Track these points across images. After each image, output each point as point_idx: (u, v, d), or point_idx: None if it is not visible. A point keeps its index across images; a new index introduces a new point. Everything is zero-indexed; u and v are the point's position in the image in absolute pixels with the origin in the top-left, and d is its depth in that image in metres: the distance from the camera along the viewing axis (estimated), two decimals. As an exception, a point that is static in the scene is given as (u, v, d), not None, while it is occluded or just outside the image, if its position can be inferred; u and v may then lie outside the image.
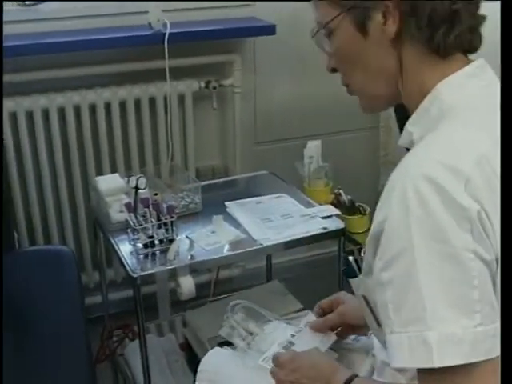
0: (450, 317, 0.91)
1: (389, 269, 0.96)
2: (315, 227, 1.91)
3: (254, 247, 1.83)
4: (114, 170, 2.38)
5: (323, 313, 1.51)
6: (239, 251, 1.82)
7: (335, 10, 1.07)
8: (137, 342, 2.12)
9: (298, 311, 2.01)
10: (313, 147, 2.27)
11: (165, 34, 2.26)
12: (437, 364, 0.90)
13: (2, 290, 1.39)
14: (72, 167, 2.37)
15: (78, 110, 2.32)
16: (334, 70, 1.16)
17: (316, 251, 2.62)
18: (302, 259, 2.66)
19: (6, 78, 2.13)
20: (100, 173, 2.37)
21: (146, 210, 1.79)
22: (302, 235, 1.88)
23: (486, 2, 1.09)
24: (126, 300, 2.43)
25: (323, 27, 1.11)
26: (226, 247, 1.82)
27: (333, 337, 1.46)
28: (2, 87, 1.33)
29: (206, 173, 2.58)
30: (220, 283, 2.52)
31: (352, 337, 1.51)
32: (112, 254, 2.44)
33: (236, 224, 1.92)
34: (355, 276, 1.27)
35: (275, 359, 1.33)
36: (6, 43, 2.14)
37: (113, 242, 1.85)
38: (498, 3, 1.07)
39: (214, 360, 1.54)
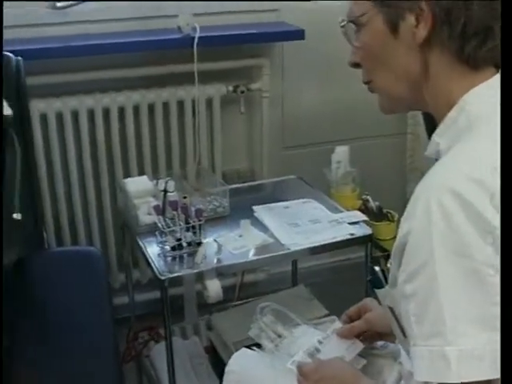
0: (470, 332, 0.90)
1: (412, 281, 0.96)
2: (343, 233, 1.91)
3: (282, 252, 1.83)
4: (141, 173, 2.39)
5: (350, 320, 1.51)
6: (267, 255, 1.82)
7: (369, 5, 1.07)
8: (162, 344, 2.13)
9: (324, 317, 2.01)
10: (341, 152, 2.26)
11: (194, 37, 2.27)
12: (455, 380, 0.90)
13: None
14: (100, 169, 2.38)
15: (107, 112, 2.33)
16: (355, 65, 1.15)
17: (342, 256, 2.61)
18: (328, 264, 2.65)
19: (37, 80, 2.15)
20: (127, 175, 2.38)
21: (175, 212, 1.80)
22: (329, 241, 1.87)
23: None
24: (151, 302, 2.44)
25: (354, 20, 1.10)
26: (254, 251, 1.82)
27: (360, 345, 1.45)
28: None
29: (232, 176, 2.58)
30: (244, 287, 2.53)
31: (380, 343, 1.50)
32: (138, 256, 2.45)
33: (263, 228, 1.92)
34: (381, 287, 1.27)
35: (299, 368, 1.33)
36: (37, 46, 2.17)
37: (141, 244, 1.86)
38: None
39: (241, 361, 1.54)
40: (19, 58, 1.82)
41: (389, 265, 1.14)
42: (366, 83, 1.15)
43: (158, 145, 2.42)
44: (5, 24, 2.15)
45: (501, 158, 0.93)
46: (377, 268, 1.28)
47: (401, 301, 1.00)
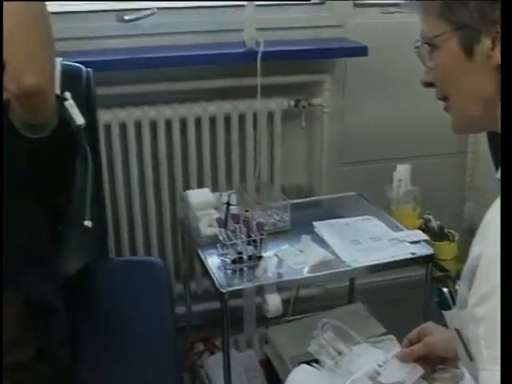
0: None
1: (482, 305, 0.95)
2: (403, 252, 1.90)
3: (342, 269, 1.83)
4: (200, 185, 2.42)
5: (410, 344, 1.49)
6: (327, 272, 1.82)
7: (444, 26, 1.06)
8: (217, 355, 2.15)
9: (382, 335, 2.00)
10: (402, 171, 2.25)
11: (258, 52, 2.28)
12: None
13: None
14: (160, 180, 2.41)
15: (169, 124, 2.36)
16: (428, 85, 1.15)
17: (399, 274, 2.59)
18: (385, 281, 2.63)
19: (103, 90, 2.19)
20: (187, 187, 2.41)
21: (237, 226, 1.81)
22: (390, 259, 1.87)
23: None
24: (206, 312, 2.46)
25: (429, 41, 1.10)
26: (314, 267, 1.82)
27: (420, 369, 1.43)
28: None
29: (291, 191, 2.58)
30: (299, 301, 2.52)
31: (440, 366, 1.48)
32: (194, 267, 2.48)
33: (324, 244, 1.93)
34: (449, 308, 1.26)
35: None
36: (104, 57, 2.22)
37: (202, 255, 1.88)
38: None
39: (301, 376, 1.54)
40: (89, 69, 1.86)
41: (457, 286, 1.14)
42: (440, 99, 1.15)
43: (218, 157, 2.44)
44: (76, 35, 2.23)
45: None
46: (445, 289, 1.27)
47: (470, 324, 0.99)
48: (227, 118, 2.40)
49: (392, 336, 1.96)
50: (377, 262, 1.85)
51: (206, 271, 1.83)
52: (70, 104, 1.41)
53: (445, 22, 1.06)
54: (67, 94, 1.42)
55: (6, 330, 1.36)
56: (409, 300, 2.05)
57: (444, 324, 1.30)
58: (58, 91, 1.38)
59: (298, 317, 2.27)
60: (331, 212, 2.18)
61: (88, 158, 1.64)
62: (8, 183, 1.44)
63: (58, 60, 1.81)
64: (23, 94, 1.28)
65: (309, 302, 2.64)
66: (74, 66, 1.85)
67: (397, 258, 1.88)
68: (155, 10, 2.32)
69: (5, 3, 1.23)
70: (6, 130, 1.40)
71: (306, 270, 1.81)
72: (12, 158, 1.42)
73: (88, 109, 1.83)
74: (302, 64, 2.47)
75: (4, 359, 1.34)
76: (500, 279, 0.90)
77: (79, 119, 1.41)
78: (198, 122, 2.38)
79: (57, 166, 1.46)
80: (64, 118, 1.40)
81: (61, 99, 1.40)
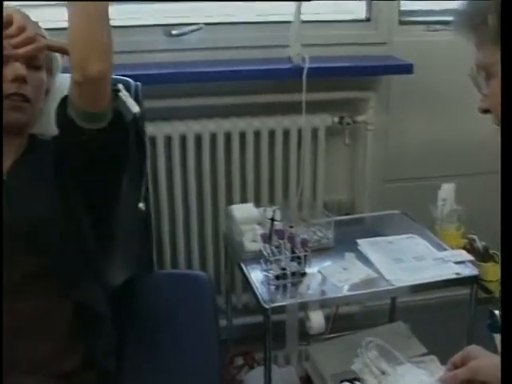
0: None
1: None
2: (448, 272, 1.88)
3: (386, 287, 1.82)
4: (243, 199, 2.43)
5: (454, 368, 1.47)
6: (371, 290, 1.81)
7: (499, 53, 1.05)
8: (257, 369, 2.16)
9: (423, 355, 1.98)
10: (447, 190, 2.23)
11: (304, 68, 2.29)
12: None
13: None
14: (203, 193, 2.43)
15: (213, 138, 2.38)
16: (485, 112, 1.14)
17: (442, 294, 2.56)
18: (427, 300, 2.60)
19: (149, 103, 2.21)
20: (230, 200, 2.43)
21: (281, 241, 1.81)
22: (434, 279, 1.85)
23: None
24: (246, 326, 2.47)
25: (483, 69, 1.09)
26: (358, 285, 1.82)
27: None
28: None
29: (333, 207, 2.58)
30: (338, 318, 2.51)
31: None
32: (235, 280, 2.49)
33: (367, 262, 1.92)
34: (500, 331, 1.24)
35: None
36: (151, 71, 2.24)
37: (245, 270, 1.88)
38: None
39: (343, 394, 1.54)
40: (138, 83, 1.88)
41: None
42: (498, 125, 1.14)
43: (261, 172, 2.45)
44: (124, 49, 2.25)
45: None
46: (496, 312, 1.26)
47: None
48: (271, 134, 2.41)
49: (434, 357, 1.93)
50: (421, 282, 1.84)
51: (248, 285, 1.84)
52: (124, 94, 1.49)
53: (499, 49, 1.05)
54: (120, 86, 1.50)
55: (55, 338, 1.38)
56: (451, 320, 2.02)
57: (493, 346, 1.29)
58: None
59: (337, 334, 2.25)
60: (374, 230, 2.17)
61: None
62: (62, 185, 1.46)
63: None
64: (88, 81, 1.34)
65: (348, 319, 2.62)
66: (123, 79, 1.87)
67: (441, 278, 1.86)
68: (202, 25, 2.34)
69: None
70: (62, 128, 1.44)
71: (349, 287, 1.80)
72: (69, 159, 1.45)
73: (136, 122, 1.85)
74: (347, 81, 2.47)
75: (51, 367, 1.36)
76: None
77: (134, 107, 1.48)
78: (243, 136, 2.39)
79: (111, 160, 1.49)
80: (118, 110, 1.45)
81: (115, 90, 1.46)
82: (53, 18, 2.12)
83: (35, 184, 1.46)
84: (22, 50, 1.33)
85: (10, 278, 1.38)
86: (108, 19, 1.37)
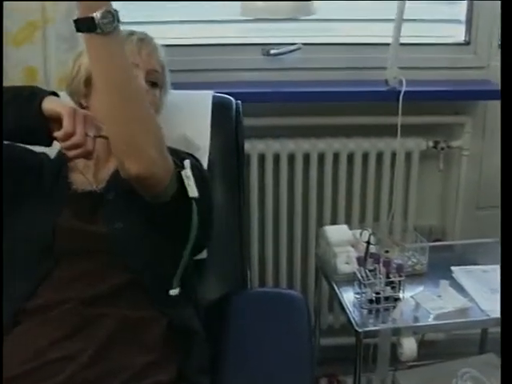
0: None
1: None
2: (546, 305, 1.83)
3: (481, 318, 1.78)
4: (333, 221, 2.43)
5: None
6: (467, 320, 1.78)
7: None
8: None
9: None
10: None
11: (400, 91, 2.28)
12: None
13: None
14: (294, 212, 2.44)
15: (307, 158, 2.38)
16: None
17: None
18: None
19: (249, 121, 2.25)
20: (320, 221, 2.43)
21: (376, 265, 1.80)
22: (532, 311, 1.80)
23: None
24: (331, 347, 2.46)
25: None
26: (452, 314, 1.79)
27: None
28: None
29: (423, 232, 2.53)
30: (423, 345, 2.47)
31: None
32: (322, 301, 2.48)
33: (461, 290, 1.89)
34: None
35: None
36: (248, 89, 2.27)
37: (338, 292, 1.88)
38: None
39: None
40: (239, 101, 1.91)
41: None
42: None
43: (353, 194, 2.44)
44: (223, 67, 2.30)
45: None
46: None
47: None
48: (365, 156, 2.40)
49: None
50: (518, 314, 1.79)
51: (334, 307, 1.83)
52: (186, 175, 1.41)
53: None
54: (186, 163, 1.43)
55: (150, 350, 1.40)
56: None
57: None
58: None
59: (423, 362, 2.21)
60: (468, 257, 2.13)
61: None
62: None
63: (210, 92, 1.90)
64: (128, 179, 1.32)
65: (433, 346, 2.58)
66: (225, 97, 1.91)
67: (539, 311, 1.81)
68: (300, 45, 2.36)
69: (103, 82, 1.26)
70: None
71: (444, 316, 1.78)
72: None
73: (236, 139, 1.88)
74: (443, 105, 2.44)
75: (148, 379, 1.37)
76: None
77: (193, 192, 1.41)
78: (336, 157, 2.39)
79: (185, 224, 1.46)
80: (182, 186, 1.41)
81: (179, 167, 1.41)
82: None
83: (131, 198, 1.46)
84: (70, 154, 1.33)
85: (102, 288, 1.41)
86: (145, 105, 1.32)
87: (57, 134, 1.31)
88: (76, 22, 1.21)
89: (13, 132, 1.39)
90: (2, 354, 1.33)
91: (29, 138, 1.43)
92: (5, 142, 1.50)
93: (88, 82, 1.58)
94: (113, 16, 1.21)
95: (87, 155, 1.34)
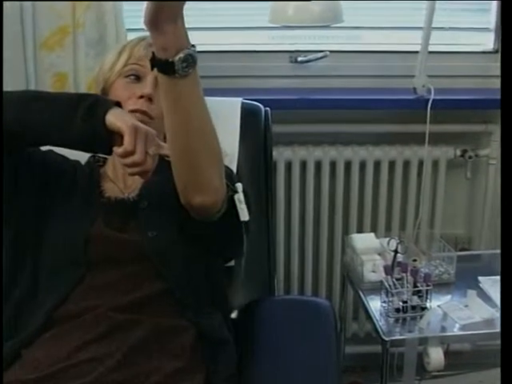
0: None
1: None
2: None
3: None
4: (359, 228, 2.43)
5: None
6: (494, 330, 1.76)
7: None
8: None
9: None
10: None
11: (429, 99, 2.27)
12: None
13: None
14: (320, 219, 2.44)
15: (333, 165, 2.39)
16: None
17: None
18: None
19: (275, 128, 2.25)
20: (346, 228, 2.43)
21: (404, 274, 1.80)
22: (561, 323, 1.78)
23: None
24: (355, 355, 2.46)
25: None
26: (480, 324, 1.78)
27: None
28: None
29: (449, 241, 2.52)
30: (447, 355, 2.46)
31: None
32: (347, 308, 2.48)
33: (489, 301, 1.87)
34: None
35: None
36: (276, 96, 2.28)
37: (365, 300, 1.87)
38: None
39: None
40: (267, 108, 1.91)
41: None
42: None
43: (379, 202, 2.44)
44: (251, 74, 2.31)
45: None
46: None
47: None
48: (392, 164, 2.40)
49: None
50: (547, 326, 1.78)
51: (359, 315, 1.82)
52: (239, 199, 1.41)
53: None
54: (239, 186, 1.42)
55: (181, 358, 1.40)
56: None
57: None
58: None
59: (449, 372, 2.20)
60: (494, 268, 2.11)
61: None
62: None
63: (239, 99, 1.90)
64: (189, 209, 1.34)
65: (458, 357, 2.56)
66: (254, 104, 1.91)
67: None
68: (328, 52, 2.36)
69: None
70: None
71: (472, 326, 1.77)
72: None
73: (265, 147, 1.88)
74: (471, 113, 2.43)
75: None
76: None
77: (244, 215, 1.40)
78: (363, 165, 2.39)
79: (227, 243, 1.53)
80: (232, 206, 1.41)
81: (232, 190, 1.40)
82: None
83: (164, 206, 1.48)
84: (129, 171, 1.29)
85: (133, 296, 1.41)
86: (217, 150, 1.31)
87: (117, 150, 1.27)
88: (152, 60, 1.17)
89: (74, 139, 1.34)
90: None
91: (90, 147, 1.39)
92: (43, 148, 1.52)
93: (104, 90, 1.59)
94: (193, 59, 1.16)
95: (145, 174, 1.30)
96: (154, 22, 1.12)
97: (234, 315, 1.71)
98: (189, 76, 1.17)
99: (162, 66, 1.16)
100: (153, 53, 1.17)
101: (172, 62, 1.15)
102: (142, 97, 1.52)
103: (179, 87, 1.20)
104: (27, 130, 1.35)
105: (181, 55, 1.14)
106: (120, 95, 1.52)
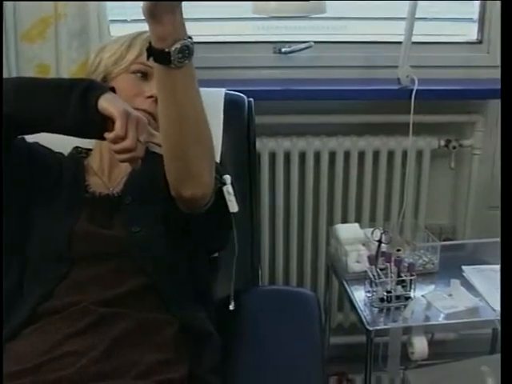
0: None
1: None
2: (558, 305, 1.83)
3: (493, 317, 1.78)
4: (344, 219, 2.43)
5: None
6: (478, 319, 1.78)
7: None
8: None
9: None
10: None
11: (412, 90, 2.27)
12: None
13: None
14: (305, 210, 2.44)
15: (317, 156, 2.39)
16: None
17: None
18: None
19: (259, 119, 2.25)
20: (330, 219, 2.43)
21: (387, 264, 1.80)
22: (544, 311, 1.80)
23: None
24: (340, 346, 2.47)
25: None
26: (463, 313, 1.79)
27: None
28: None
29: (433, 231, 2.52)
30: (432, 345, 2.47)
31: None
32: (332, 299, 2.48)
33: (472, 290, 1.88)
34: None
35: None
36: (260, 87, 2.27)
37: (349, 290, 1.88)
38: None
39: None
40: (251, 99, 1.90)
41: None
42: None
43: (363, 192, 2.44)
44: (234, 65, 2.30)
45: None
46: None
47: None
48: (376, 154, 2.40)
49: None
50: (529, 313, 1.79)
51: (344, 305, 1.82)
52: (228, 191, 1.42)
53: None
54: (227, 178, 1.43)
55: (164, 350, 1.40)
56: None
57: None
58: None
59: (433, 361, 2.20)
60: (479, 257, 2.12)
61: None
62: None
63: (222, 90, 1.89)
64: (179, 200, 1.35)
65: (442, 345, 2.57)
66: (237, 95, 1.90)
67: (550, 311, 1.80)
68: (312, 43, 2.36)
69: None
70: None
71: (455, 315, 1.78)
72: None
73: (248, 138, 1.88)
74: (455, 104, 2.44)
75: (159, 376, 1.37)
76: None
77: (233, 207, 1.42)
78: (347, 155, 2.39)
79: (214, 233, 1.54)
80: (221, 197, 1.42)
81: (220, 183, 1.41)
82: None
83: (148, 200, 1.48)
84: (119, 157, 1.28)
85: (117, 291, 1.41)
86: (209, 145, 1.32)
87: (108, 135, 1.26)
88: (149, 49, 1.18)
89: (67, 124, 1.32)
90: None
91: (83, 131, 1.36)
92: (29, 141, 1.50)
93: (105, 80, 1.57)
94: (189, 50, 1.18)
95: (135, 161, 1.30)
96: (153, 11, 1.13)
97: (217, 305, 1.69)
98: (184, 67, 1.19)
99: (158, 55, 1.17)
100: (149, 42, 1.18)
101: (168, 52, 1.16)
102: (150, 97, 1.52)
103: (174, 78, 1.21)
104: (20, 115, 1.34)
105: (177, 46, 1.16)
106: (127, 91, 1.51)
